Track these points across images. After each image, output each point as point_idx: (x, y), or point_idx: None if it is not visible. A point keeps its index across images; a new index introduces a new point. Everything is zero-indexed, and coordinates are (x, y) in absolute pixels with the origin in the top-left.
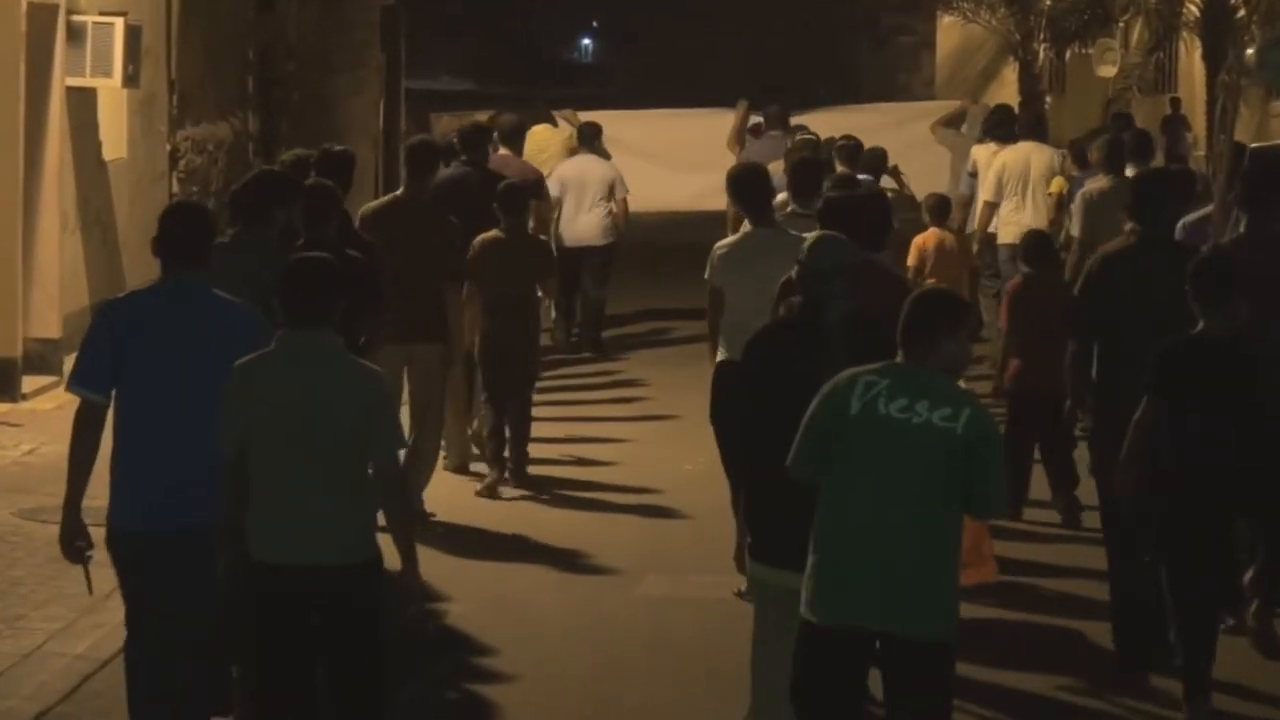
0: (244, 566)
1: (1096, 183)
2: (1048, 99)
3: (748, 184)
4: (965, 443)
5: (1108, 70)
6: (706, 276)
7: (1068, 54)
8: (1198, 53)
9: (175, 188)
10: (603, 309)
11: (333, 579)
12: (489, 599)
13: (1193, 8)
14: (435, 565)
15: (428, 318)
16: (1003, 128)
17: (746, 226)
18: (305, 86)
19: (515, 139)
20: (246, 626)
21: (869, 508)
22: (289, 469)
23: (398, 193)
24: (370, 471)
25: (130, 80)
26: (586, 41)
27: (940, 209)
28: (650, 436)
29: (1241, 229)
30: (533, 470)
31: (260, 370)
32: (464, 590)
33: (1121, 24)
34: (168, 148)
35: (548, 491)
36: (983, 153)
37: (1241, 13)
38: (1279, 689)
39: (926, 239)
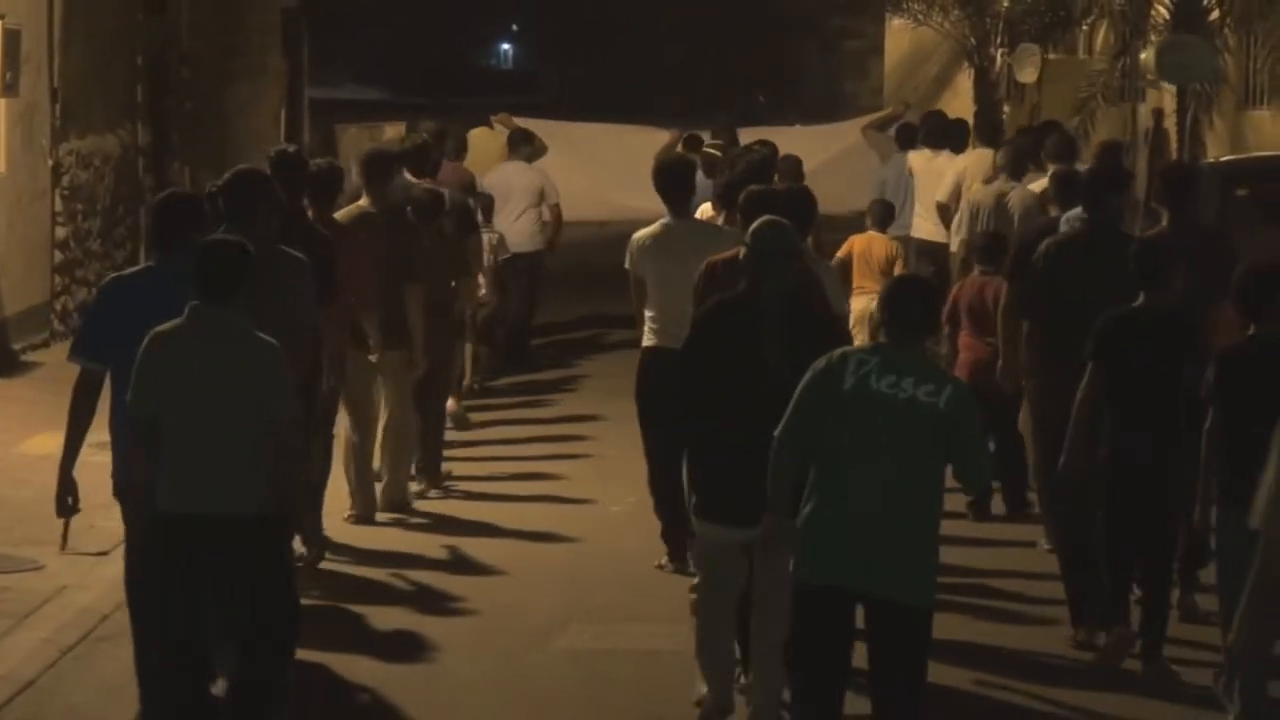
0: (149, 519)
1: (988, 190)
2: (1005, 108)
3: (669, 176)
4: (947, 416)
5: (1029, 75)
6: (627, 266)
7: None
8: None
9: (59, 205)
10: (527, 320)
11: (235, 528)
12: (394, 655)
13: (1162, 10)
14: (334, 618)
15: (396, 325)
16: (937, 134)
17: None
18: (200, 95)
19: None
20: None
21: (860, 477)
22: (198, 429)
23: (362, 202)
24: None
25: (8, 89)
26: (506, 46)
27: (883, 214)
28: (574, 474)
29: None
30: (440, 509)
31: (172, 339)
32: (366, 645)
33: (1085, 27)
34: (50, 162)
35: (459, 533)
36: (917, 159)
37: (1215, 14)
38: None
39: (857, 239)
